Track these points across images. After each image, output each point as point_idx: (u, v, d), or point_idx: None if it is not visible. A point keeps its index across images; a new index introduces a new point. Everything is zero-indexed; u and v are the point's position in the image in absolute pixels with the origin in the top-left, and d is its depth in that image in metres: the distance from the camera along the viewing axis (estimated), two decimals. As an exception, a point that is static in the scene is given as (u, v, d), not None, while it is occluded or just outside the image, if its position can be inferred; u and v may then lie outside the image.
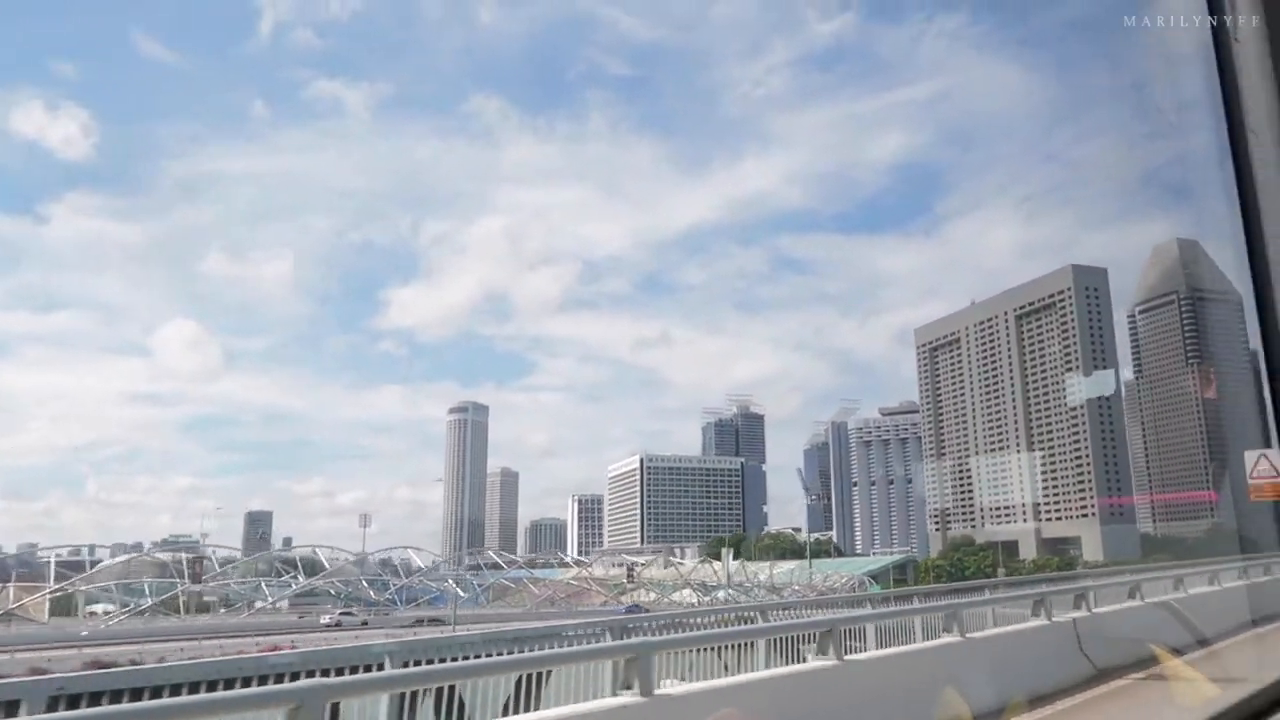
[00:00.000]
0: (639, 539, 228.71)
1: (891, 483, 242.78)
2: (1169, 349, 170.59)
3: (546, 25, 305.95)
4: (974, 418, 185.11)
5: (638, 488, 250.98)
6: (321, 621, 63.68)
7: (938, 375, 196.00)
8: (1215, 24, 1.37)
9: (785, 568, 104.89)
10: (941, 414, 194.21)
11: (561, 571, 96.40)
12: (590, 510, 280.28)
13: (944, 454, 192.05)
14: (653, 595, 74.98)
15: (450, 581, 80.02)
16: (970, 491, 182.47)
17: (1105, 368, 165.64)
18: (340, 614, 66.29)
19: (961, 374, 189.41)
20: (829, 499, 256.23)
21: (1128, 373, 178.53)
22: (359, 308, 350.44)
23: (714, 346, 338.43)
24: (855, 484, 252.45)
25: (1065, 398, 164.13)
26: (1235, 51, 1.33)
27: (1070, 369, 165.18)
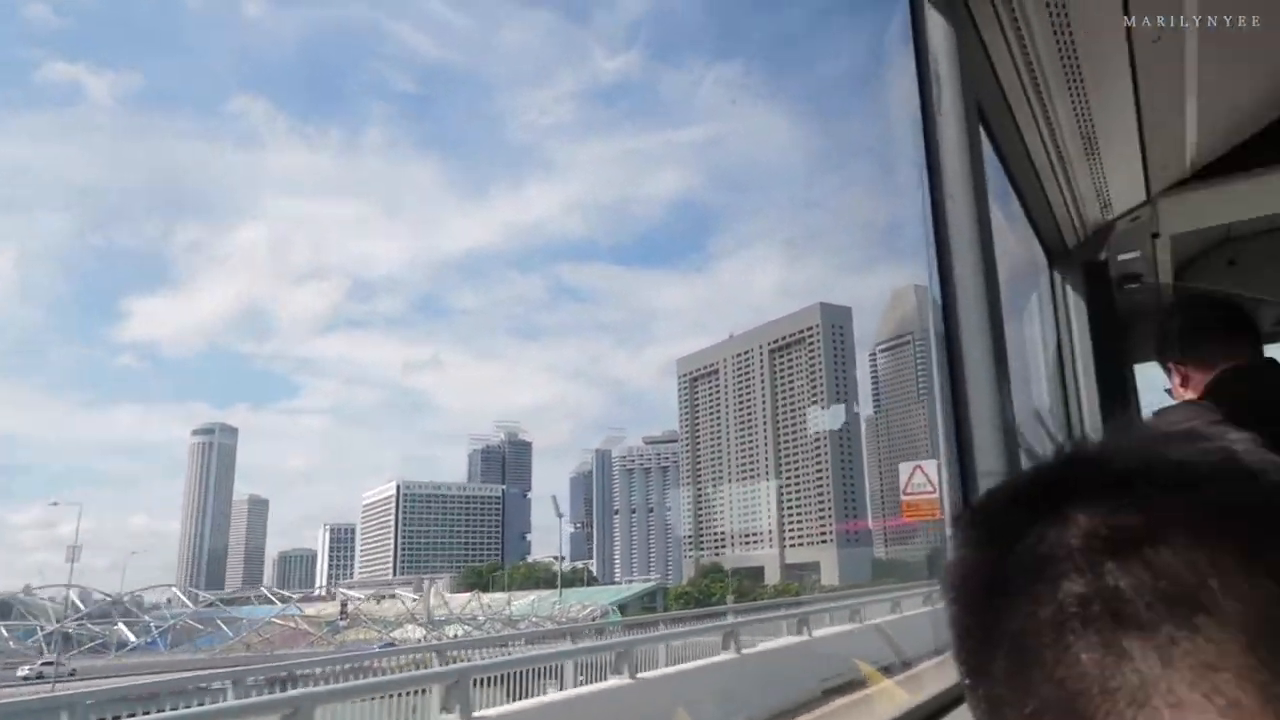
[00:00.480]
0: (392, 570, 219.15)
1: (651, 510, 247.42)
2: (904, 385, 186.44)
3: (324, 30, 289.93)
4: (728, 446, 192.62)
5: (393, 516, 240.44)
6: (18, 675, 55.14)
7: (697, 405, 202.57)
8: (922, 95, 1.58)
9: (527, 599, 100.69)
10: (699, 443, 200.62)
11: (267, 608, 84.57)
12: (344, 540, 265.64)
13: (699, 481, 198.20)
14: (374, 633, 68.05)
15: (120, 625, 68.70)
16: (722, 518, 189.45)
17: (847, 401, 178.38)
18: (42, 665, 57.17)
19: (718, 404, 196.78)
20: (591, 527, 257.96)
21: (869, 407, 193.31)
22: (96, 317, 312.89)
23: (489, 372, 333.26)
24: (617, 511, 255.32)
25: (808, 428, 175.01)
26: (939, 123, 1.55)
27: (815, 401, 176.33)
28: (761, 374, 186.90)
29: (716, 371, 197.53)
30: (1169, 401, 2.44)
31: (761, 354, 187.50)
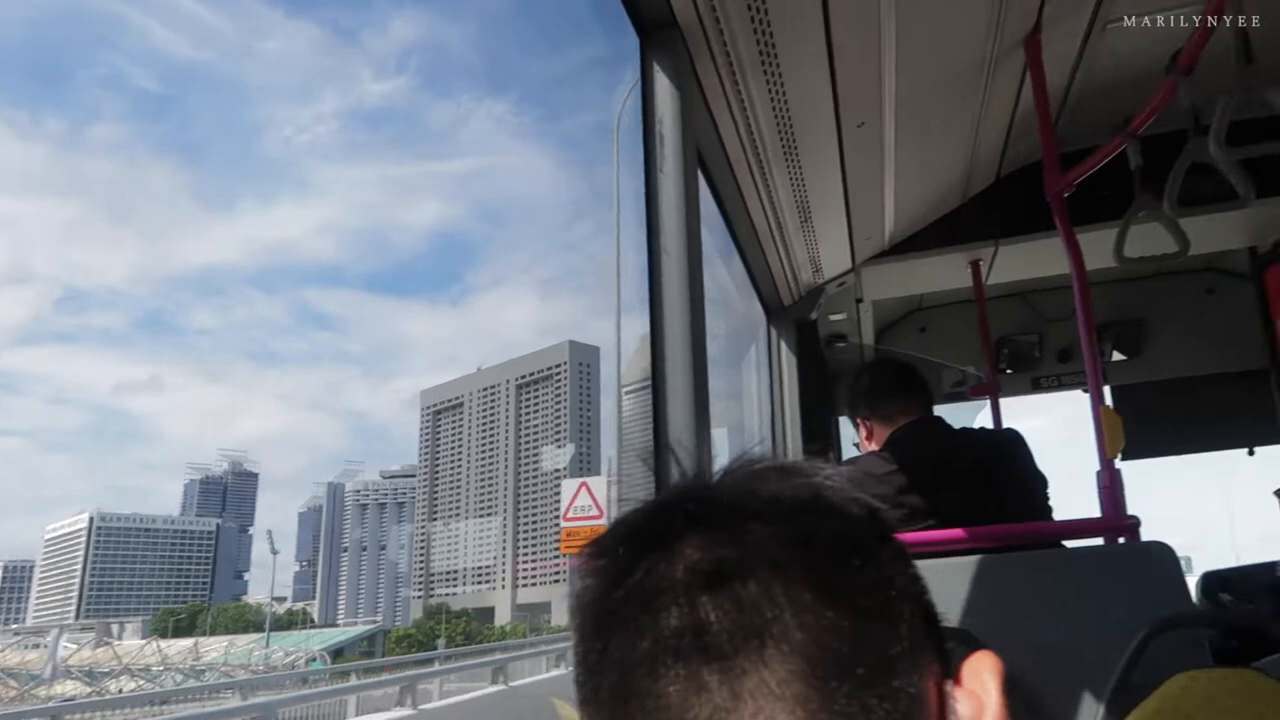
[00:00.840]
0: (75, 612, 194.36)
1: (383, 548, 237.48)
2: (647, 425, 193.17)
3: (51, 11, 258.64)
4: (467, 482, 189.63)
5: (82, 552, 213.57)
6: None
7: (438, 439, 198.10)
8: (647, 151, 1.65)
9: (220, 645, 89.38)
10: (438, 478, 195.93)
11: None
12: (18, 578, 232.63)
13: (435, 518, 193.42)
14: (8, 689, 55.12)
15: None
16: (456, 556, 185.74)
17: (591, 439, 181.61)
18: None
19: (461, 439, 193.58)
20: (317, 565, 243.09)
21: (613, 447, 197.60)
22: None
23: (217, 397, 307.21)
24: (345, 549, 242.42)
25: (551, 465, 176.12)
26: (660, 180, 1.61)
27: (560, 439, 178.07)
28: (507, 409, 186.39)
29: (461, 405, 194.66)
30: (857, 452, 2.70)
31: (508, 389, 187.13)
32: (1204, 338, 4.40)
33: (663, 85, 1.66)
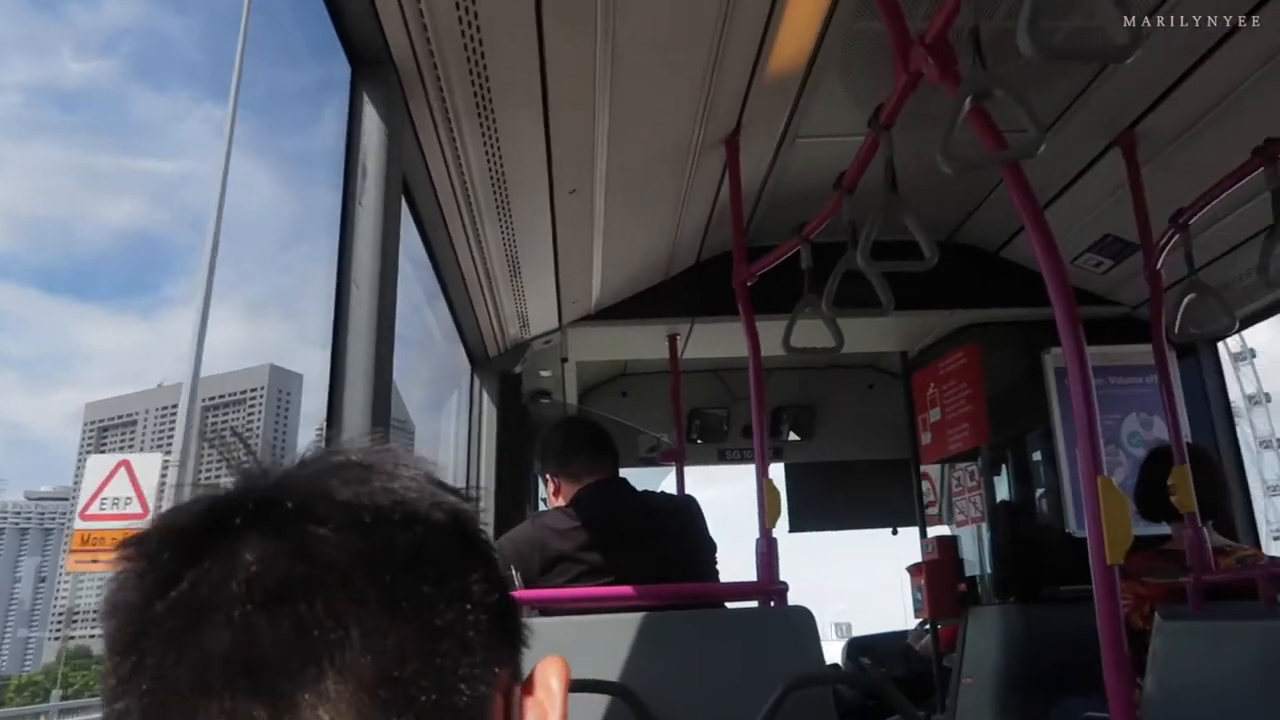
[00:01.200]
0: None
1: (18, 580, 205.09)
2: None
3: None
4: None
5: None
6: None
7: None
8: (347, 184, 1.62)
9: None
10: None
11: None
12: None
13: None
14: None
15: None
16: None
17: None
18: None
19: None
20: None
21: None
22: None
23: None
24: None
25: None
26: (357, 213, 1.60)
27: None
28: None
29: (135, 423, 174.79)
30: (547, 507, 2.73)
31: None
32: (865, 427, 4.97)
33: (371, 117, 1.63)
